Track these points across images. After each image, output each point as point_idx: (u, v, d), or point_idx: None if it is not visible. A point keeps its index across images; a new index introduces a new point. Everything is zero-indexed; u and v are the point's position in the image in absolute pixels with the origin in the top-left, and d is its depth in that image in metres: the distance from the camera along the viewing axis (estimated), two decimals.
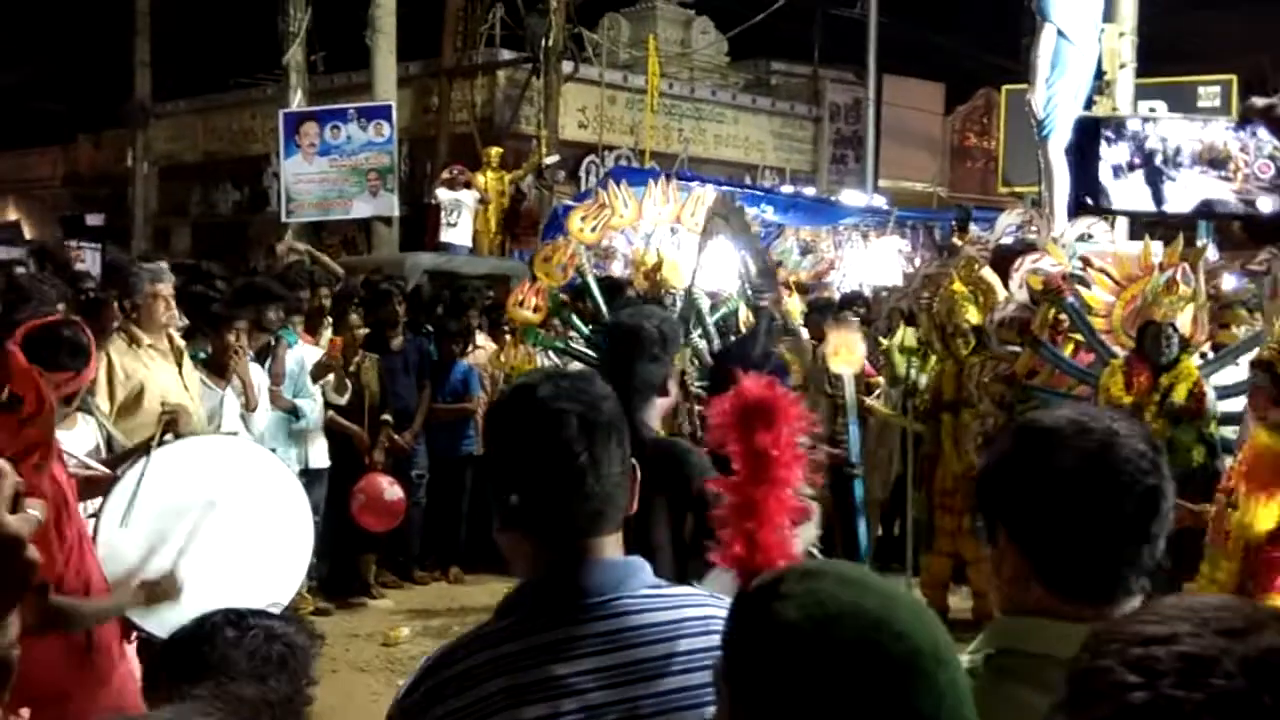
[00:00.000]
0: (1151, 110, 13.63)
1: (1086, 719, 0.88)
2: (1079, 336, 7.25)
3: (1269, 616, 0.90)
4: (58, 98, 24.37)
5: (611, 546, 1.75)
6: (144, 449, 4.10)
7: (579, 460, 1.70)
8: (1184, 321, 6.53)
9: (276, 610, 3.76)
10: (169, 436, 4.62)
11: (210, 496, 3.85)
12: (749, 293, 6.96)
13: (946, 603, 7.67)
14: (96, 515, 3.70)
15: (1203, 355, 6.92)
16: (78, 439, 4.33)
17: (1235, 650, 0.86)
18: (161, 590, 3.59)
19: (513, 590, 1.79)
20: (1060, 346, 7.35)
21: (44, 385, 3.31)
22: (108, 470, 3.94)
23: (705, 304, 7.00)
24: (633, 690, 1.64)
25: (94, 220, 23.89)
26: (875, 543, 8.61)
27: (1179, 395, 6.42)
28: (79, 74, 22.29)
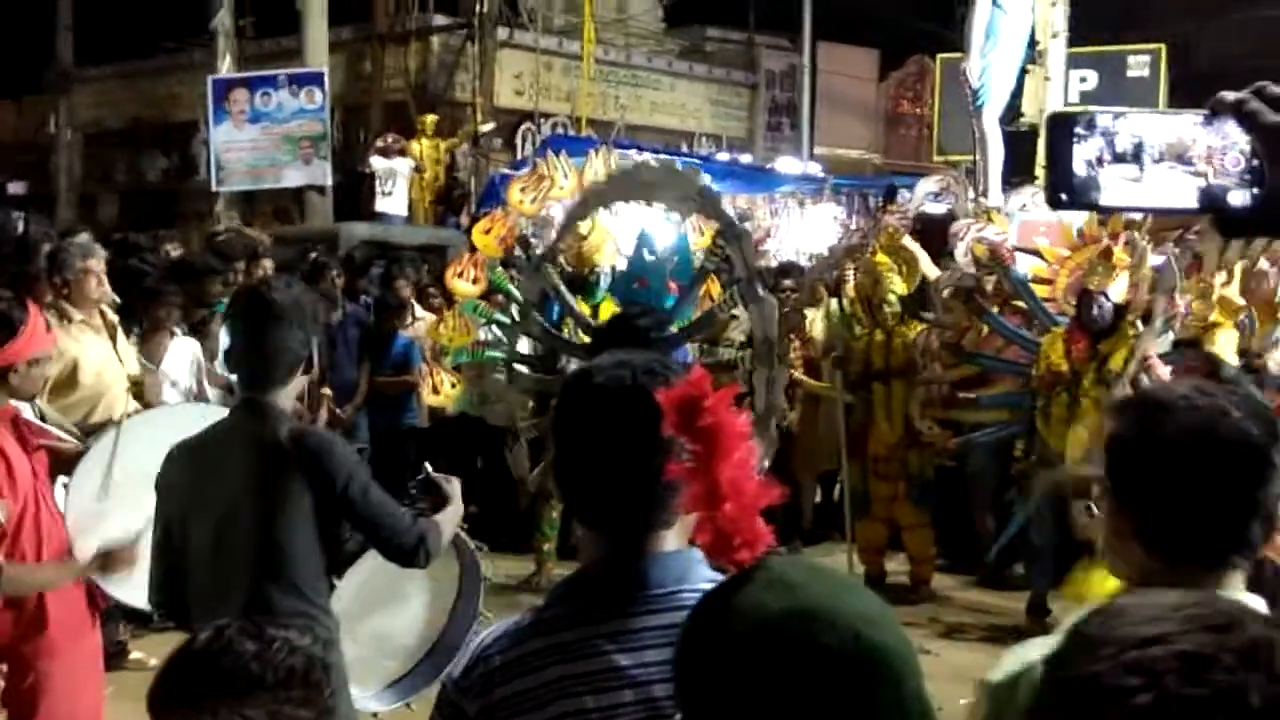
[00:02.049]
0: (1083, 80, 13.81)
1: None
2: (1020, 304, 7.36)
3: (1237, 608, 0.94)
4: None
5: (672, 539, 1.72)
6: (114, 421, 4.04)
7: (637, 450, 1.65)
8: (1120, 289, 6.63)
9: None
10: (136, 406, 4.57)
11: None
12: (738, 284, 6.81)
13: (883, 567, 7.80)
14: (66, 486, 3.65)
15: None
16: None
17: (1228, 643, 0.88)
18: (117, 560, 3.49)
19: (569, 577, 1.79)
20: (1002, 314, 7.46)
21: None
22: (76, 442, 3.89)
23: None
24: None
25: (16, 188, 23.29)
26: (814, 511, 8.72)
27: (1115, 362, 6.52)
28: None
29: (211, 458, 3.06)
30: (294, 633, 1.74)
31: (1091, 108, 1.33)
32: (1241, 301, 6.28)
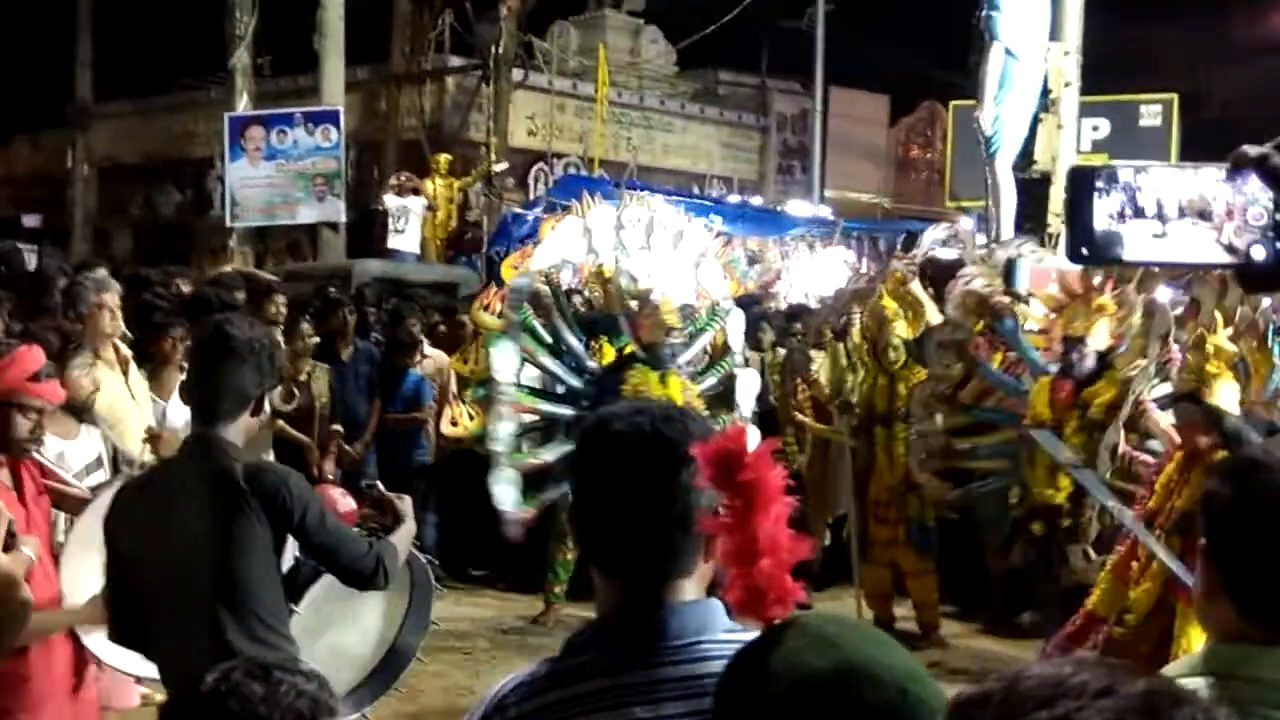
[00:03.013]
0: (1095, 129, 13.86)
1: None
2: (1012, 353, 7.33)
3: (1113, 666, 0.93)
4: None
5: (690, 588, 1.69)
6: (122, 474, 4.03)
7: (656, 497, 1.64)
8: (1102, 337, 6.60)
9: None
10: (149, 459, 4.56)
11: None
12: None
13: (892, 613, 7.73)
14: (64, 538, 3.64)
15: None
16: (80, 449, 4.28)
17: (1127, 705, 0.88)
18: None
19: (585, 627, 1.76)
20: (989, 359, 7.43)
21: None
22: (84, 490, 3.86)
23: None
24: None
25: (31, 222, 23.42)
26: (823, 557, 8.67)
27: (1097, 410, 6.48)
28: (17, 73, 21.86)
29: (163, 496, 3.07)
30: (300, 677, 1.73)
31: (1113, 162, 1.33)
32: (1233, 348, 6.22)
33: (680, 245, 7.28)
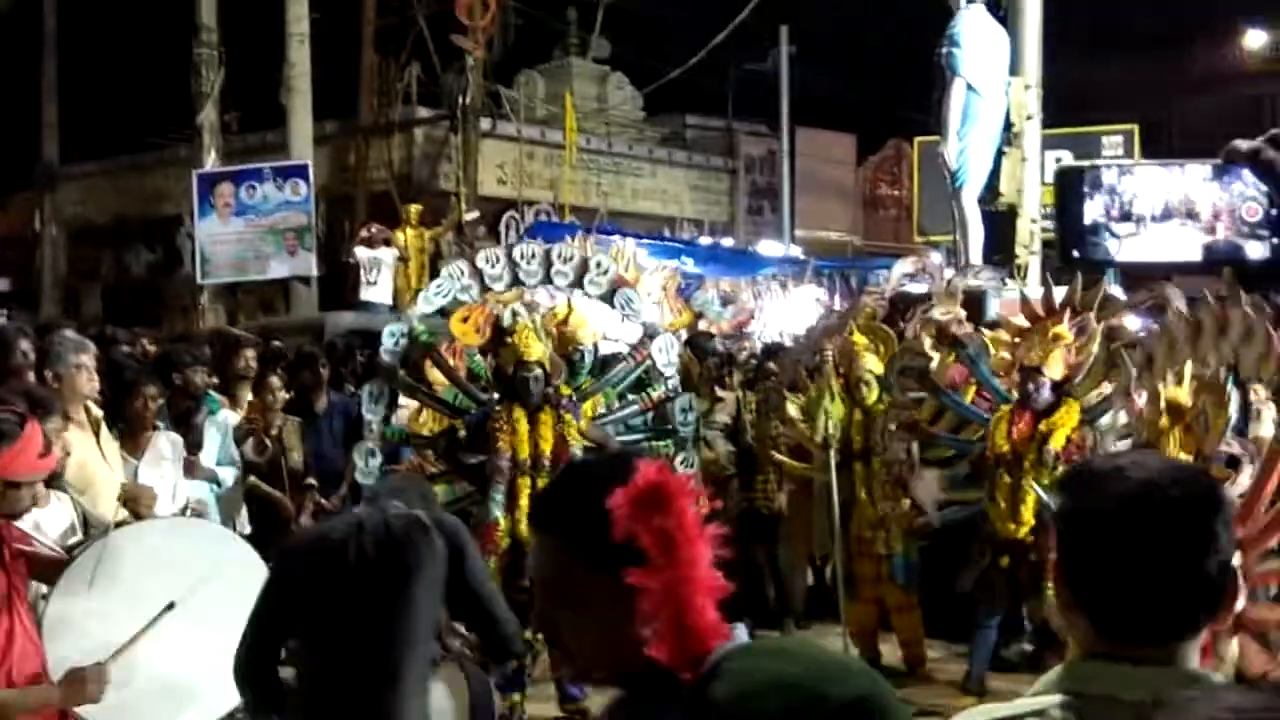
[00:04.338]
0: (1059, 161, 14.01)
1: None
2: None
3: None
4: None
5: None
6: (104, 532, 3.97)
7: None
8: (1058, 367, 6.60)
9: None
10: (127, 517, 4.51)
11: (170, 585, 3.68)
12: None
13: (878, 650, 7.68)
14: (46, 598, 3.58)
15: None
16: (53, 516, 4.23)
17: None
18: (84, 688, 3.35)
19: (621, 696, 1.59)
20: (962, 391, 7.44)
21: None
22: (60, 552, 3.81)
23: None
24: None
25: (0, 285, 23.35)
26: (807, 594, 8.63)
27: (1056, 442, 6.47)
28: None
29: (335, 556, 3.09)
30: None
31: (1099, 161, 1.33)
32: (1189, 403, 6.13)
33: (588, 278, 7.00)
